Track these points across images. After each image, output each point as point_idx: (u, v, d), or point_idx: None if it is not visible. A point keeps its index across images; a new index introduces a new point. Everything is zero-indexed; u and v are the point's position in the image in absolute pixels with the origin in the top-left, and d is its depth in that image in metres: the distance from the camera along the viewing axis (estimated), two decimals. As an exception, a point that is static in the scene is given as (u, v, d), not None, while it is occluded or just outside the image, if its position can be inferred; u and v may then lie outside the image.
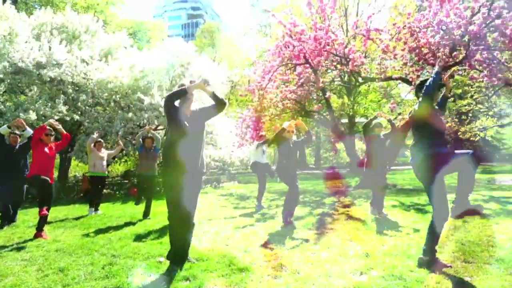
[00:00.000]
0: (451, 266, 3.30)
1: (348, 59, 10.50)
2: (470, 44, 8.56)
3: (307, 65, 10.79)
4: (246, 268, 3.28)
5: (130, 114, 12.21)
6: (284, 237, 4.66)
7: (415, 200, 7.84)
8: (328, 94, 11.41)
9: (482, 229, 4.85)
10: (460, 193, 3.61)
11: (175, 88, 3.59)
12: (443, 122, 3.59)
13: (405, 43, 8.86)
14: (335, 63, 11.23)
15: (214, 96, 3.57)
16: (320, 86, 10.47)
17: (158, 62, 14.15)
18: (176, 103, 3.55)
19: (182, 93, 3.45)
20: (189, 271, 3.25)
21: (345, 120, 20.52)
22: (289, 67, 11.54)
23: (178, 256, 3.46)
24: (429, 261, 3.29)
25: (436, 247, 3.40)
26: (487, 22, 8.26)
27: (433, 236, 3.38)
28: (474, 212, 5.63)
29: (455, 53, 9.11)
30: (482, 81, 10.25)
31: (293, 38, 10.66)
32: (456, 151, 3.47)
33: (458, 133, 14.14)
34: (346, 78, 15.02)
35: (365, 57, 12.62)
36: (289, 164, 5.50)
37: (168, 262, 3.51)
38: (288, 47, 10.90)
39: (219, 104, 3.64)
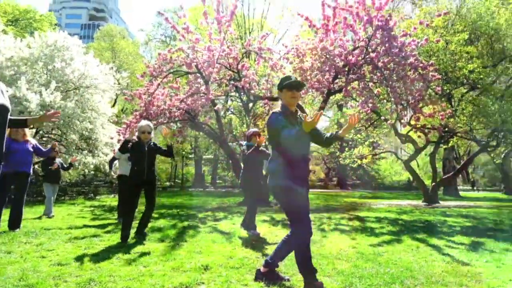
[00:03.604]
0: (289, 279, 3.02)
1: (241, 75, 10.44)
2: (350, 73, 9.16)
3: (199, 75, 10.41)
4: (37, 284, 2.52)
5: (-15, 106, 10.25)
6: (124, 249, 3.97)
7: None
8: (217, 106, 11.12)
9: (337, 243, 4.83)
10: None
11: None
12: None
13: (291, 63, 9.10)
14: (227, 78, 11.08)
15: None
16: (210, 98, 10.14)
17: (34, 53, 12.43)
18: None
19: None
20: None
21: (243, 142, 20.50)
22: (179, 75, 11.03)
23: None
24: (267, 274, 2.96)
25: (279, 263, 3.09)
26: (363, 55, 8.95)
27: (284, 251, 3.03)
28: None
29: (336, 80, 9.66)
30: (360, 111, 11.09)
31: (187, 47, 10.25)
32: None
33: (339, 158, 15.12)
34: (245, 98, 14.92)
35: (266, 80, 12.77)
36: (140, 170, 4.77)
37: None
38: (180, 55, 10.44)
39: None
